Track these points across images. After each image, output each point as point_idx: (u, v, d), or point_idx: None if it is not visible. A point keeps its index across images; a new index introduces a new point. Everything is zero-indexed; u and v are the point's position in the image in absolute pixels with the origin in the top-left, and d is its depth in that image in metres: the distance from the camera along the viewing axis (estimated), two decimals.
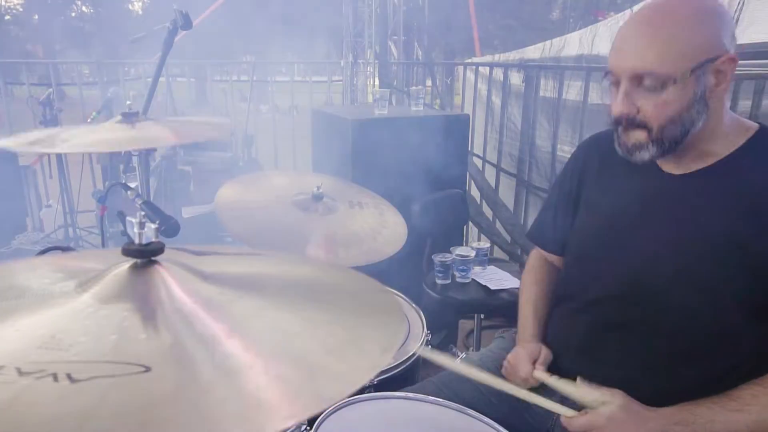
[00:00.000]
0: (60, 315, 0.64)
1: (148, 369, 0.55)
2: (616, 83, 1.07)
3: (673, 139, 1.05)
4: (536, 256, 1.49)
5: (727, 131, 1.09)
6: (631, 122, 1.07)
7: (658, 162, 1.15)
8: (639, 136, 1.07)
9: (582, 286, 1.24)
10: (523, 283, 1.47)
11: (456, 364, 1.18)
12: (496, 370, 1.35)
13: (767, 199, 1.02)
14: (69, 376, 0.53)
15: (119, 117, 1.50)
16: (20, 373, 0.54)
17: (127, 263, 0.70)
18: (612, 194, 1.22)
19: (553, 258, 1.44)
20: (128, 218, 0.68)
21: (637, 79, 1.03)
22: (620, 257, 1.16)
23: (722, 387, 1.04)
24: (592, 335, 1.20)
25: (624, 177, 1.20)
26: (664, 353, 1.10)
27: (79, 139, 1.39)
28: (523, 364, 1.23)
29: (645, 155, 1.08)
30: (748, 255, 1.01)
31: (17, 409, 0.50)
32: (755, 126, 1.10)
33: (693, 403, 1.04)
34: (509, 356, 1.30)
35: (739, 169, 1.06)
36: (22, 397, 0.51)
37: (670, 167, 1.14)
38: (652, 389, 1.09)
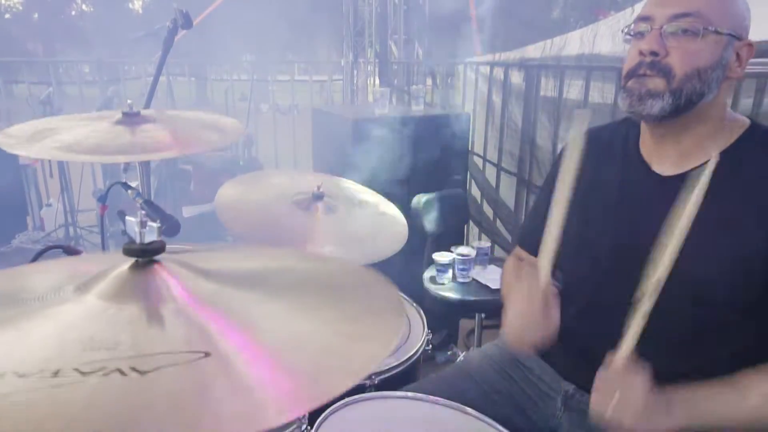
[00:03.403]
0: (82, 319, 0.62)
1: (208, 354, 0.55)
2: (647, 29, 1.06)
3: (689, 97, 1.03)
4: (514, 261, 1.42)
5: (725, 127, 1.09)
6: (653, 65, 1.04)
7: (648, 159, 1.14)
8: (657, 83, 1.04)
9: (580, 291, 1.21)
10: (506, 278, 1.38)
11: None
12: (500, 369, 1.34)
13: (759, 199, 1.00)
14: (135, 369, 0.52)
15: (120, 115, 1.49)
16: (83, 373, 0.51)
17: (127, 263, 0.69)
18: (601, 195, 1.19)
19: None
20: (128, 218, 0.66)
21: (677, 22, 1.02)
22: (614, 261, 1.13)
23: (722, 374, 1.01)
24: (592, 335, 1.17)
25: (613, 176, 1.18)
26: (663, 344, 1.05)
27: (74, 135, 1.35)
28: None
29: (657, 105, 1.04)
30: (742, 258, 0.99)
31: (101, 402, 0.48)
32: (747, 123, 1.10)
33: (693, 389, 1.01)
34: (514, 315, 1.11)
35: (728, 171, 1.03)
36: (100, 393, 0.49)
37: (662, 166, 1.12)
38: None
